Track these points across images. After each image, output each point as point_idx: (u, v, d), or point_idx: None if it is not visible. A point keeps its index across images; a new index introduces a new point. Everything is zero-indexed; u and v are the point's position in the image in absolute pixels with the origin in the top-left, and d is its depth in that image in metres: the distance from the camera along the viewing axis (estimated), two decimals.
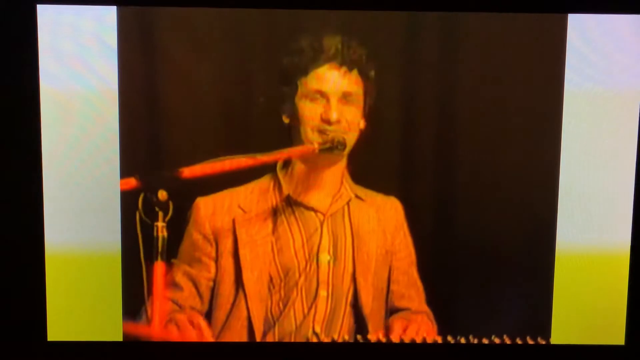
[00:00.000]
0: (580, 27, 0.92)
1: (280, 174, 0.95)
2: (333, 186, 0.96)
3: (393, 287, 0.98)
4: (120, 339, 0.97)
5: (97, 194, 0.94)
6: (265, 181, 0.95)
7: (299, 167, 0.96)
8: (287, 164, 0.95)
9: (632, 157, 0.96)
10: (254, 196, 0.95)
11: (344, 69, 0.92)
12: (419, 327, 0.98)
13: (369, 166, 0.95)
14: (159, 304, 0.96)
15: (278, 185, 0.95)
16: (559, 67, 0.93)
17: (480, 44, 0.93)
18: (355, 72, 0.92)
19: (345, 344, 0.98)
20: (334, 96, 0.92)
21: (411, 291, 0.98)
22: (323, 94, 0.92)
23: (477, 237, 0.97)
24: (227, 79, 0.92)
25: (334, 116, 0.92)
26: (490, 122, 0.94)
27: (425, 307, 0.98)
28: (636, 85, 0.94)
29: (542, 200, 0.96)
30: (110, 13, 0.90)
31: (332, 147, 0.93)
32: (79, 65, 0.91)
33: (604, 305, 0.99)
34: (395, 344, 0.98)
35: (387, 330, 0.98)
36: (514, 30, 0.92)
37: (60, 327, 0.97)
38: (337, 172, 0.96)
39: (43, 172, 0.93)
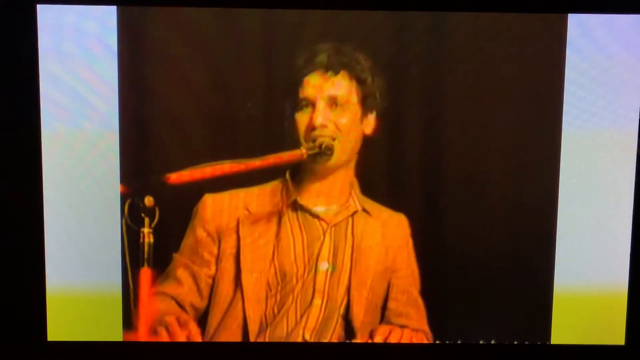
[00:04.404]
0: (581, 26, 0.91)
1: (290, 180, 0.96)
2: (341, 196, 0.96)
3: (391, 304, 0.96)
4: (120, 339, 0.97)
5: (97, 194, 0.95)
6: (275, 185, 0.96)
7: (309, 174, 0.96)
8: (298, 171, 0.96)
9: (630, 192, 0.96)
10: (261, 198, 0.96)
11: (329, 72, 0.92)
12: (402, 335, 0.97)
13: (380, 180, 0.95)
14: (145, 310, 0.96)
15: (287, 190, 0.96)
16: (559, 77, 0.92)
17: (474, 51, 0.93)
18: (343, 75, 0.92)
19: (338, 345, 0.97)
20: (320, 101, 0.92)
21: (410, 310, 0.96)
22: (309, 101, 0.92)
23: (481, 258, 0.96)
24: (221, 83, 0.93)
25: (318, 120, 0.92)
26: (496, 143, 0.95)
27: (425, 327, 0.97)
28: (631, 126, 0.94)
29: (540, 211, 0.96)
30: (110, 13, 0.91)
31: (320, 153, 0.93)
32: (79, 65, 0.91)
33: (604, 305, 0.97)
34: (390, 345, 0.97)
35: (372, 333, 0.97)
36: (513, 31, 0.92)
37: (60, 327, 0.97)
38: (345, 182, 0.96)
39: (43, 169, 0.94)
